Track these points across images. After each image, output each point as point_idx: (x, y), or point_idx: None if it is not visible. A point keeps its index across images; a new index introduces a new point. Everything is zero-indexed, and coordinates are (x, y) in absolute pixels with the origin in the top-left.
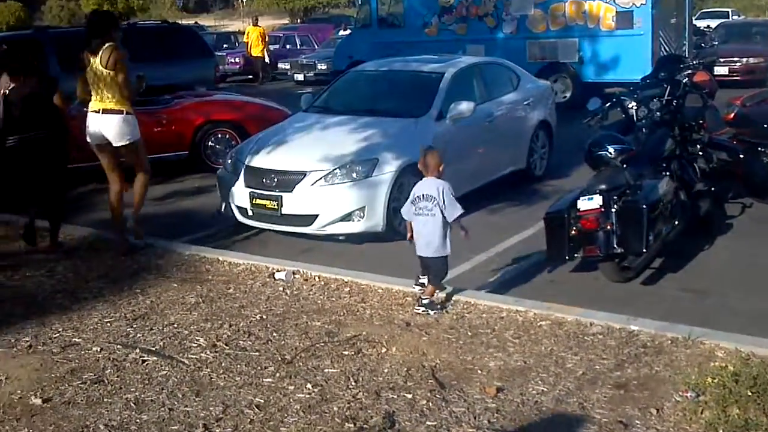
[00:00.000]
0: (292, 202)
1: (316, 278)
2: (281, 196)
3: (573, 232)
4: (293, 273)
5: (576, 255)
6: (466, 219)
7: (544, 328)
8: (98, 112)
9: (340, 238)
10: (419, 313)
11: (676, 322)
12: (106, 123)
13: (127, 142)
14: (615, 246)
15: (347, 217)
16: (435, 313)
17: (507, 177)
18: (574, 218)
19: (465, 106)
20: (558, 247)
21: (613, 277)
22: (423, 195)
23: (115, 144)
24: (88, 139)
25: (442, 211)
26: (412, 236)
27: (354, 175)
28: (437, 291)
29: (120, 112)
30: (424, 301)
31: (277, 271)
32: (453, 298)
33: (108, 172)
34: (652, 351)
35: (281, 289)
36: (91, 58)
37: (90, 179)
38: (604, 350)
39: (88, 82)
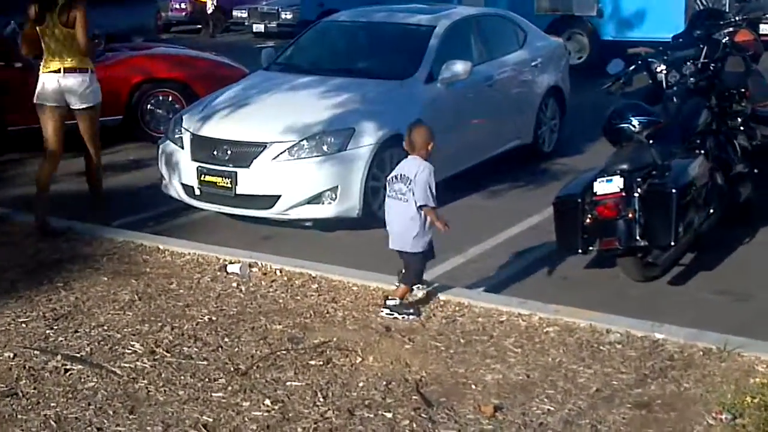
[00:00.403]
0: (249, 180)
1: (278, 272)
2: (236, 173)
3: (588, 220)
4: (249, 266)
5: (591, 248)
6: (455, 207)
7: (551, 335)
8: (59, 72)
9: (307, 224)
10: (383, 317)
11: (709, 329)
12: (71, 83)
13: (91, 105)
14: (638, 238)
15: (316, 199)
16: (404, 318)
17: (510, 153)
18: (590, 204)
19: (460, 67)
20: (570, 239)
21: (635, 275)
22: (399, 175)
23: (76, 106)
24: (39, 101)
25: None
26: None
27: (324, 148)
28: (410, 292)
29: (85, 71)
30: (390, 302)
31: (230, 263)
32: (443, 298)
33: (51, 140)
34: (681, 364)
35: (235, 284)
36: (47, 15)
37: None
38: (623, 362)
39: (42, 39)
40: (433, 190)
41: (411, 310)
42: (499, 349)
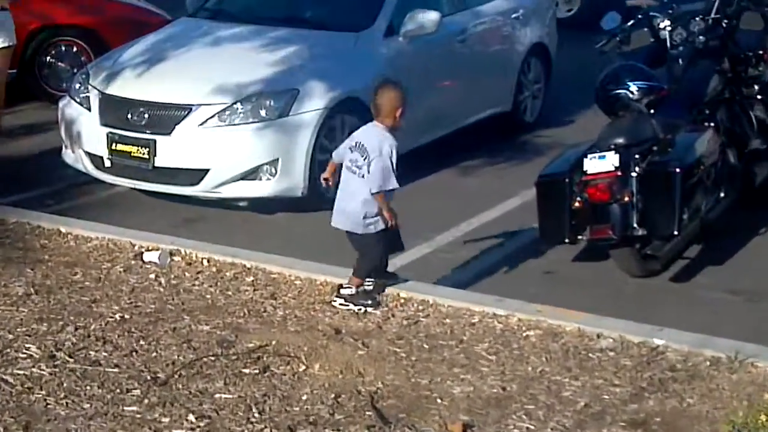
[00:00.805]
0: (171, 150)
1: (205, 262)
2: (154, 141)
3: (576, 204)
4: (170, 254)
5: (580, 237)
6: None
7: (532, 340)
8: None
9: (242, 204)
10: (336, 306)
11: (717, 335)
12: None
13: (7, 45)
14: (635, 225)
15: (252, 175)
16: (360, 309)
17: (485, 123)
18: (579, 185)
19: (427, 18)
20: (555, 226)
21: (632, 270)
22: (357, 144)
23: None
24: None
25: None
26: (328, 178)
27: (263, 112)
28: (365, 284)
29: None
30: (345, 291)
31: (147, 250)
32: (404, 295)
33: None
34: (684, 375)
35: (153, 276)
36: None
37: None
38: (617, 373)
39: None
40: (394, 170)
41: (368, 301)
42: (469, 357)
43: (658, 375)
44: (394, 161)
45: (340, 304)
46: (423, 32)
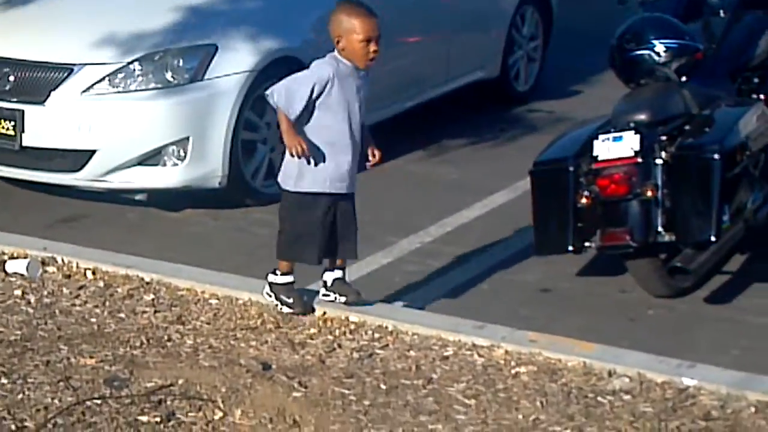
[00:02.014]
0: (44, 125)
1: (89, 274)
2: (22, 112)
3: (584, 200)
4: (42, 263)
5: (588, 244)
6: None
7: (523, 379)
8: None
9: (139, 197)
10: (263, 295)
11: (765, 373)
12: None
13: None
14: (660, 229)
15: (153, 158)
16: (279, 307)
17: (466, 92)
18: (587, 174)
19: None
20: (555, 229)
21: (655, 288)
22: None
23: None
24: None
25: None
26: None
27: (168, 75)
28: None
29: None
30: (271, 277)
31: (11, 258)
32: (354, 320)
33: None
34: (722, 426)
35: (18, 292)
36: None
37: None
38: (634, 423)
39: None
40: (299, 94)
41: (290, 300)
42: (441, 401)
43: (687, 425)
44: (301, 82)
45: (266, 293)
46: None
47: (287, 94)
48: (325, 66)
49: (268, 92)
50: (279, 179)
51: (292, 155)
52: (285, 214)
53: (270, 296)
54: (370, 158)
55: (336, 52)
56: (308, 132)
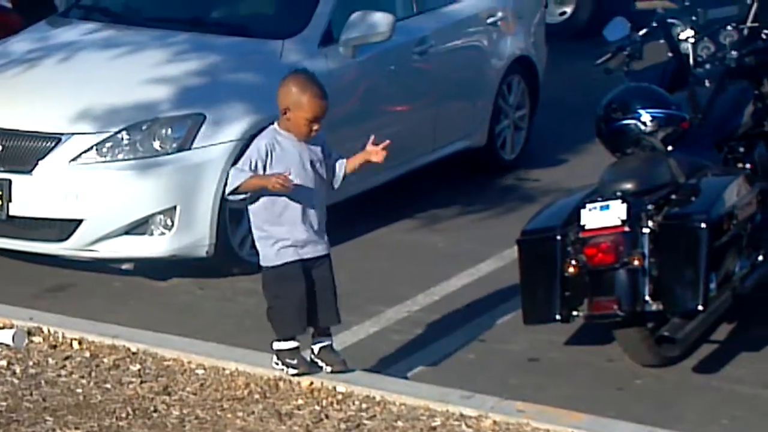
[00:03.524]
0: (32, 194)
1: (75, 344)
2: (9, 182)
3: (571, 269)
4: (28, 333)
5: (575, 313)
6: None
7: None
8: None
9: (125, 267)
10: (274, 366)
11: None
12: None
13: None
14: (647, 298)
15: (140, 227)
16: (285, 370)
17: (452, 161)
18: (575, 244)
19: (376, 21)
20: (542, 298)
21: (643, 357)
22: None
23: None
24: None
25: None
26: None
27: (156, 144)
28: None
29: None
30: (276, 344)
31: None
32: (342, 390)
33: None
34: None
35: (4, 363)
36: None
37: None
38: None
39: None
40: (247, 162)
41: (294, 361)
42: None
43: None
44: (252, 154)
45: (274, 363)
46: (371, 40)
47: (235, 173)
48: (261, 140)
49: (227, 192)
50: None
51: (279, 190)
52: (266, 290)
53: (277, 364)
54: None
55: (276, 124)
56: (263, 206)
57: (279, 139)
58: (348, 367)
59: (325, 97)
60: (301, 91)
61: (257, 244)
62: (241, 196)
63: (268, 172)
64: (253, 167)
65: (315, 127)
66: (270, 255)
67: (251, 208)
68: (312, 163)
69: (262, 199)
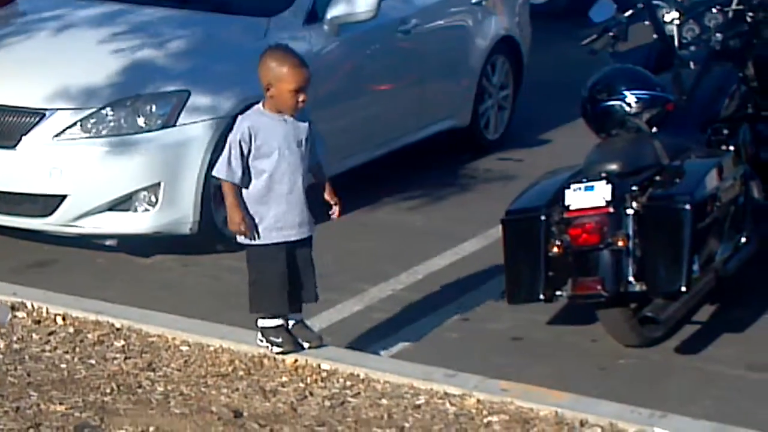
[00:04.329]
0: (15, 169)
1: (59, 320)
2: None
3: (555, 249)
4: (12, 308)
5: (559, 293)
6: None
7: (495, 428)
8: None
9: (109, 243)
10: (258, 344)
11: (737, 424)
12: None
13: None
14: (631, 279)
15: (124, 204)
16: (270, 348)
17: (435, 141)
18: (558, 223)
19: (361, 1)
20: (526, 278)
21: (626, 337)
22: None
23: None
24: None
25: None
26: None
27: (140, 121)
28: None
29: None
30: (261, 323)
31: None
32: (326, 367)
33: None
34: None
35: None
36: None
37: None
38: None
39: None
40: (233, 156)
41: (279, 340)
42: None
43: None
44: (234, 145)
45: (258, 340)
46: (355, 19)
47: (225, 163)
48: (244, 121)
49: (214, 173)
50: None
51: (233, 231)
52: (248, 267)
53: (262, 341)
54: (332, 207)
55: (261, 103)
56: (250, 186)
57: (264, 120)
58: (323, 341)
59: (305, 65)
60: (280, 64)
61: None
62: None
63: (253, 153)
64: (240, 159)
65: (301, 98)
66: (254, 233)
67: None
68: (299, 142)
69: (253, 176)
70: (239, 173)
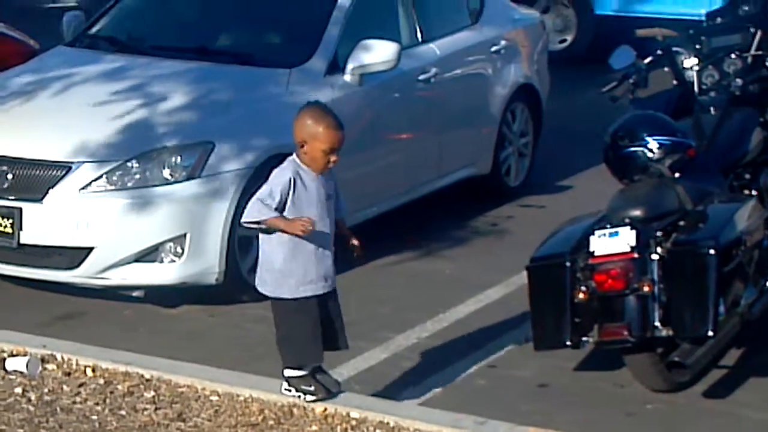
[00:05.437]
0: (42, 223)
1: (89, 371)
2: (20, 210)
3: (581, 295)
4: (42, 360)
5: (585, 339)
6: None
7: None
8: None
9: (137, 294)
10: (282, 392)
11: None
12: None
13: None
14: (657, 324)
15: (151, 255)
16: (302, 397)
17: (457, 189)
18: (584, 270)
19: (381, 51)
20: (552, 325)
21: (653, 382)
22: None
23: None
24: None
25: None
26: None
27: (166, 173)
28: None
29: None
30: (287, 372)
31: (11, 355)
32: (355, 416)
33: None
34: None
35: (19, 390)
36: None
37: None
38: None
39: None
40: (270, 199)
41: (312, 388)
42: None
43: None
44: (274, 187)
45: (285, 389)
46: (376, 69)
47: (260, 207)
48: (285, 171)
49: (243, 221)
50: (262, 288)
51: (301, 235)
52: (280, 321)
53: (289, 391)
54: (355, 249)
55: (295, 155)
56: (279, 240)
57: (302, 174)
58: (340, 387)
59: (341, 127)
60: (316, 123)
61: (266, 274)
62: (257, 227)
63: (288, 205)
64: (276, 201)
65: (332, 158)
66: (284, 288)
67: (266, 239)
68: (328, 197)
69: (279, 234)
70: (274, 213)
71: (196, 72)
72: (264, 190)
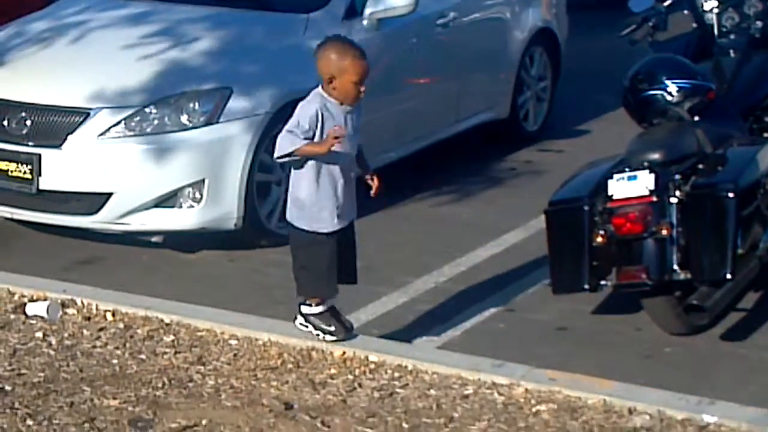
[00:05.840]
0: (61, 168)
1: (109, 316)
2: (39, 156)
3: (599, 239)
4: (62, 305)
5: (604, 282)
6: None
7: (544, 417)
8: None
9: (156, 239)
10: (297, 326)
11: None
12: None
13: None
14: (676, 267)
15: (170, 200)
16: (320, 336)
17: (475, 133)
18: (603, 214)
19: None
20: (570, 268)
21: (672, 325)
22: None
23: None
24: None
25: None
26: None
27: (184, 118)
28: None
29: None
30: (305, 308)
31: (31, 300)
32: (374, 359)
33: None
34: None
35: (40, 334)
36: None
37: None
38: None
39: None
40: (298, 131)
41: (332, 328)
42: None
43: None
44: (303, 118)
45: (300, 325)
46: (394, 14)
47: (291, 138)
48: (311, 104)
49: (276, 156)
50: (289, 217)
51: (334, 148)
52: (298, 253)
53: (306, 327)
54: (372, 187)
55: (320, 89)
56: (307, 172)
57: (330, 107)
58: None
59: (365, 56)
60: (342, 56)
61: (297, 204)
62: (290, 159)
63: (316, 138)
64: (305, 132)
65: (362, 89)
66: (306, 219)
67: (296, 173)
68: (355, 131)
69: (307, 165)
70: (304, 141)
71: (214, 18)
72: (292, 122)
